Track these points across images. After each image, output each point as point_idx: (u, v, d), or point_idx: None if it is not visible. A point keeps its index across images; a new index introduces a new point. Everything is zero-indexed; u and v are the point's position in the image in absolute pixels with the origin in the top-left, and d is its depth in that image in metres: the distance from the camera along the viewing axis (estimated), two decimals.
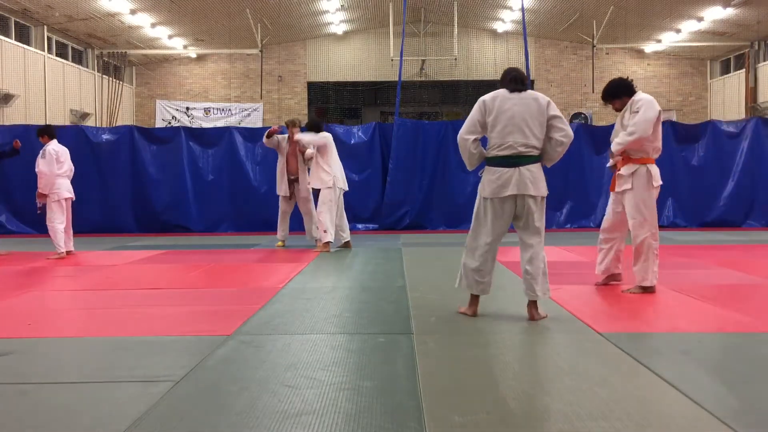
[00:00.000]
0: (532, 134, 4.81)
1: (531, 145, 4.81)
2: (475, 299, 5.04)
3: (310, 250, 9.39)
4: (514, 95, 4.85)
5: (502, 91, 4.90)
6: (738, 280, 6.68)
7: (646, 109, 5.65)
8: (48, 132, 9.14)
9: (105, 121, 23.31)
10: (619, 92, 5.88)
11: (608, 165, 6.13)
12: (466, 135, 4.92)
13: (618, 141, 5.79)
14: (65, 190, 9.01)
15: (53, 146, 8.99)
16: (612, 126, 6.42)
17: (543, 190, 4.88)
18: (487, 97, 4.92)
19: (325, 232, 9.13)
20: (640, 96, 5.80)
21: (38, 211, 9.10)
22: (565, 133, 4.86)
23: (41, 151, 8.94)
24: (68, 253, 8.99)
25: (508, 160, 4.81)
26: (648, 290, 5.81)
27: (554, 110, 4.88)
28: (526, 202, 4.83)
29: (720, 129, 13.55)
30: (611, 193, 6.03)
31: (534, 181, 4.82)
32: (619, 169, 5.88)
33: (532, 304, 4.89)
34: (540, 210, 4.91)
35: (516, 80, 4.92)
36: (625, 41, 25.06)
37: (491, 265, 4.97)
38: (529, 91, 4.90)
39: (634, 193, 5.76)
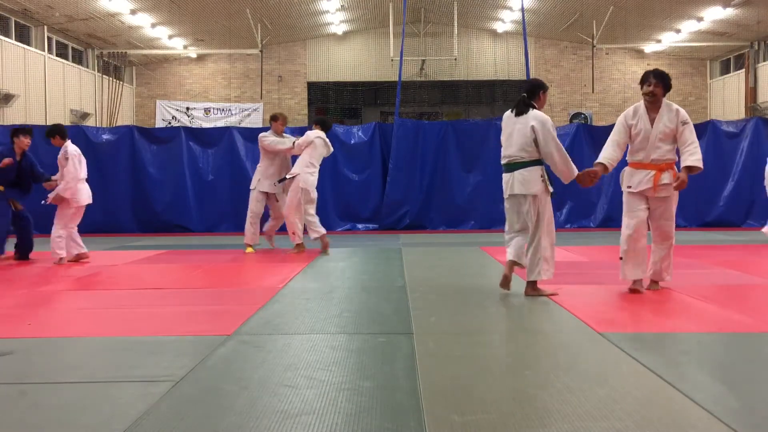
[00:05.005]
0: None
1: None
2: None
3: (310, 250, 9.40)
4: None
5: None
6: (738, 280, 6.68)
7: (692, 126, 5.85)
8: (60, 132, 8.39)
9: (105, 121, 23.30)
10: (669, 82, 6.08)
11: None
12: None
13: (699, 158, 5.70)
14: (87, 195, 8.48)
15: (73, 148, 8.34)
16: (611, 126, 6.40)
17: None
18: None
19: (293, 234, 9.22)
20: (678, 107, 6.01)
21: (43, 202, 8.48)
22: None
23: (63, 153, 8.27)
24: (81, 256, 8.48)
25: None
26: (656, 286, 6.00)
27: None
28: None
29: (720, 129, 13.56)
30: (630, 196, 5.85)
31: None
32: (660, 177, 5.75)
33: (527, 283, 5.76)
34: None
35: None
36: (625, 41, 25.03)
37: None
38: None
39: (674, 199, 5.89)
